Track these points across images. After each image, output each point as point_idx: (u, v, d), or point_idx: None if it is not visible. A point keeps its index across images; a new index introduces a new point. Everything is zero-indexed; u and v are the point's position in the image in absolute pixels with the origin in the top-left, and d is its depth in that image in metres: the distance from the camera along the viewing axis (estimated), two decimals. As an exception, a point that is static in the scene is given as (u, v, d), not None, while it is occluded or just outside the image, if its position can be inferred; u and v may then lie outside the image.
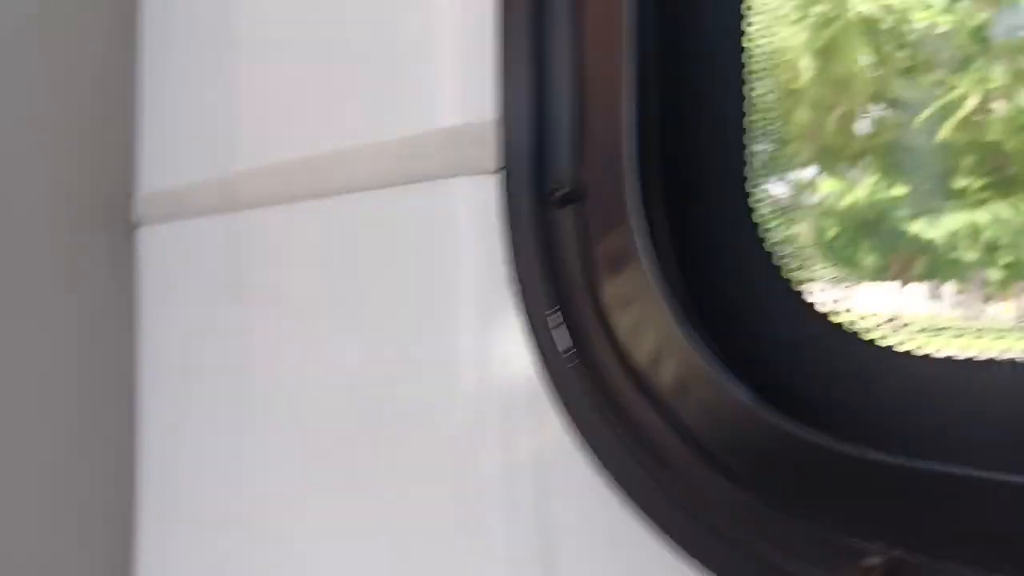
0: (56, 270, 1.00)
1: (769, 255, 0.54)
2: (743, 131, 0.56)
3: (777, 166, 0.59)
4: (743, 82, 0.57)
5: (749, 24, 0.57)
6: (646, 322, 0.54)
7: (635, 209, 0.55)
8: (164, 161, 1.03)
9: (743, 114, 0.56)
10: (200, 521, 0.94)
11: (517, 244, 0.59)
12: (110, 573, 1.02)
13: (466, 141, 0.63)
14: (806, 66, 1.02)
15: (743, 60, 0.57)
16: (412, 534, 0.68)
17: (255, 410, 0.84)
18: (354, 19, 0.75)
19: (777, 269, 0.53)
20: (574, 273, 0.57)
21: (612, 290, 0.56)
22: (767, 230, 0.55)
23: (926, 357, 0.48)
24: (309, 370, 0.77)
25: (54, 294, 0.99)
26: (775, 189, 0.57)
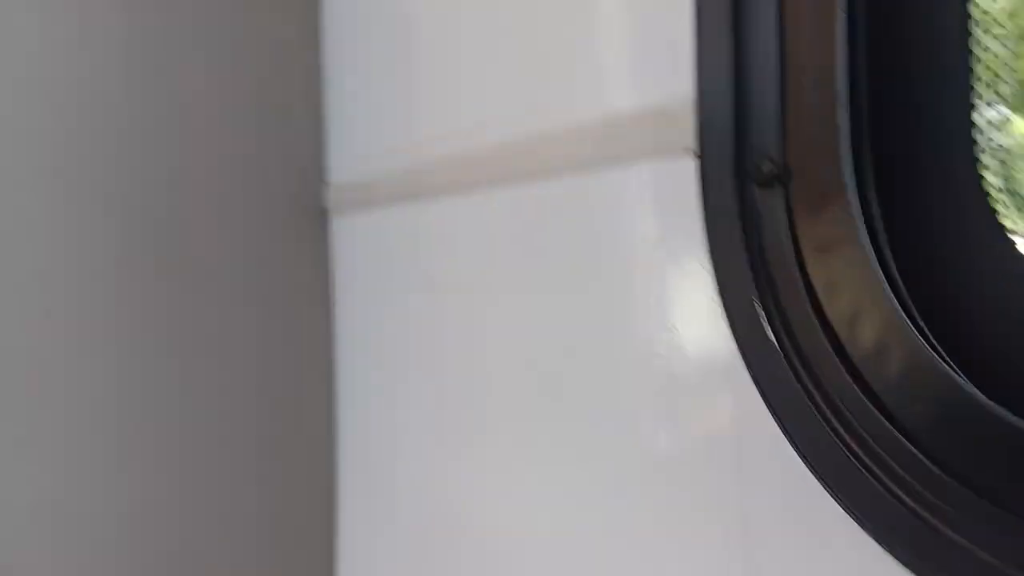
0: (252, 258, 1.04)
1: (999, 231, 0.49)
2: (968, 94, 0.52)
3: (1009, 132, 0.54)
4: (968, 34, 0.52)
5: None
6: (864, 310, 0.51)
7: (851, 188, 0.52)
8: (354, 150, 1.07)
9: (969, 71, 0.51)
10: (399, 507, 0.97)
11: (718, 226, 0.57)
12: (313, 562, 1.07)
13: (663, 121, 0.62)
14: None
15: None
16: (606, 515, 0.68)
17: (447, 398, 0.86)
18: None
19: (1007, 247, 0.49)
20: (781, 256, 0.54)
21: (824, 274, 0.53)
22: (994, 210, 0.50)
23: None
24: (501, 356, 0.78)
25: (251, 282, 1.04)
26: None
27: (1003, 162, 0.52)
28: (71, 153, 0.93)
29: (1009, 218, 0.49)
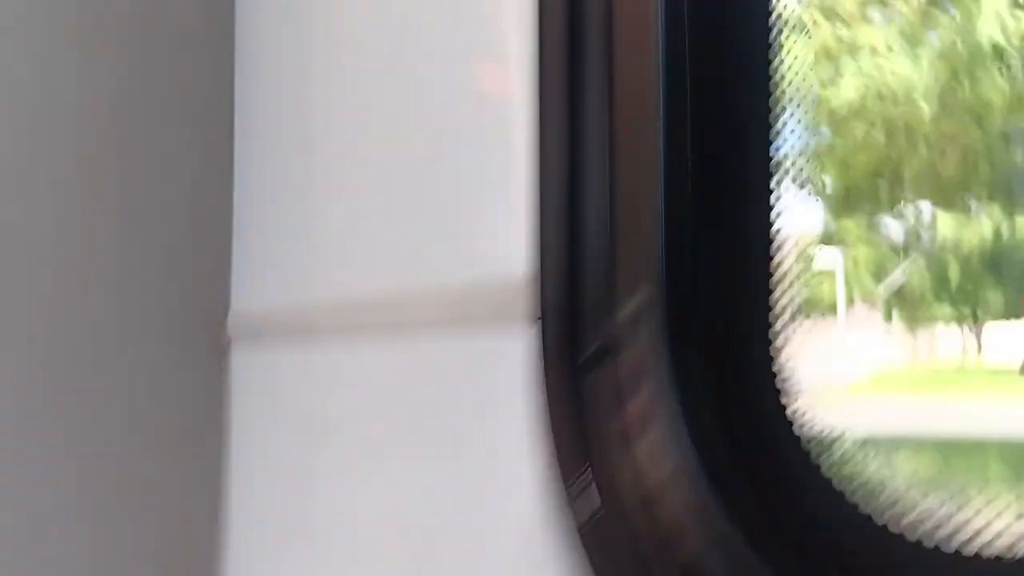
0: (152, 387, 1.04)
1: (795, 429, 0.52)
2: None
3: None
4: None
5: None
6: (674, 485, 0.53)
7: (664, 366, 0.55)
8: (255, 280, 1.08)
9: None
10: None
11: (549, 398, 0.59)
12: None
13: (509, 289, 0.65)
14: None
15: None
16: None
17: (318, 547, 0.86)
18: (417, 163, 0.78)
19: (807, 450, 0.52)
20: (604, 432, 0.56)
21: (642, 450, 0.55)
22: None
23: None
24: (367, 505, 0.79)
25: (148, 410, 1.03)
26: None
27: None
28: None
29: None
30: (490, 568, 0.65)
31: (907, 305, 1.65)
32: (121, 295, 1.03)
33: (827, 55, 1.47)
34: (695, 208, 0.58)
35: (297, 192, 0.99)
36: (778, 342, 0.54)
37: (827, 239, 1.62)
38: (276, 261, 1.03)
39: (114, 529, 1.00)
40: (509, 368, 0.64)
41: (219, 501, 1.06)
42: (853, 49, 1.48)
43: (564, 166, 0.61)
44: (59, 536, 0.97)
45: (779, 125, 0.57)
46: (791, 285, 0.55)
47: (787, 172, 0.57)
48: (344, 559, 0.82)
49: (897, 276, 1.60)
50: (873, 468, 0.53)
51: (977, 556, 0.45)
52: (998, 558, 0.45)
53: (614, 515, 0.55)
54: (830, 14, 1.46)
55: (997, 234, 1.48)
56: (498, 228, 0.67)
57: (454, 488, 0.70)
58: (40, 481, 0.96)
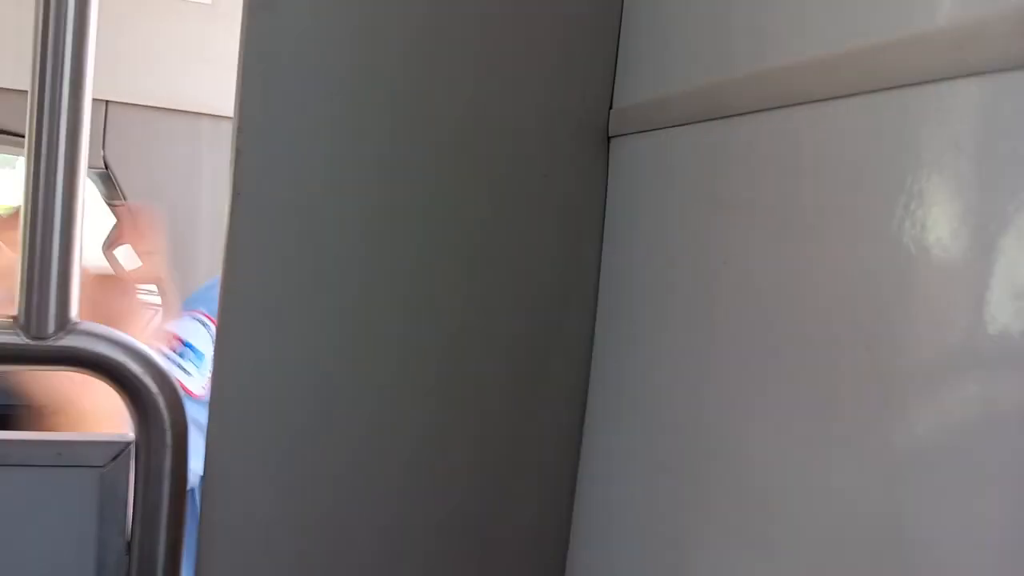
0: (534, 181, 1.06)
1: None
2: None
3: None
4: None
5: None
6: None
7: None
8: (641, 74, 1.04)
9: None
10: (648, 432, 0.95)
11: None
12: (558, 474, 1.09)
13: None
14: None
15: None
16: (906, 473, 0.61)
17: (721, 324, 0.81)
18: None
19: None
20: None
21: None
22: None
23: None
24: (786, 287, 0.72)
25: (532, 203, 1.06)
26: None
27: None
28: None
29: None
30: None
31: None
32: (504, 95, 1.05)
33: None
34: None
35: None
36: None
37: None
38: (670, 51, 0.97)
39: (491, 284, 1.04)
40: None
41: (596, 287, 1.07)
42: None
43: None
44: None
45: None
46: None
47: None
48: (748, 335, 0.77)
49: None
50: None
51: None
52: None
53: None
54: None
55: None
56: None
57: (906, 265, 0.61)
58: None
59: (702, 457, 0.83)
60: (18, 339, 0.94)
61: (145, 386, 0.97)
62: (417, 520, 1.05)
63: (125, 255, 3.38)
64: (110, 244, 3.30)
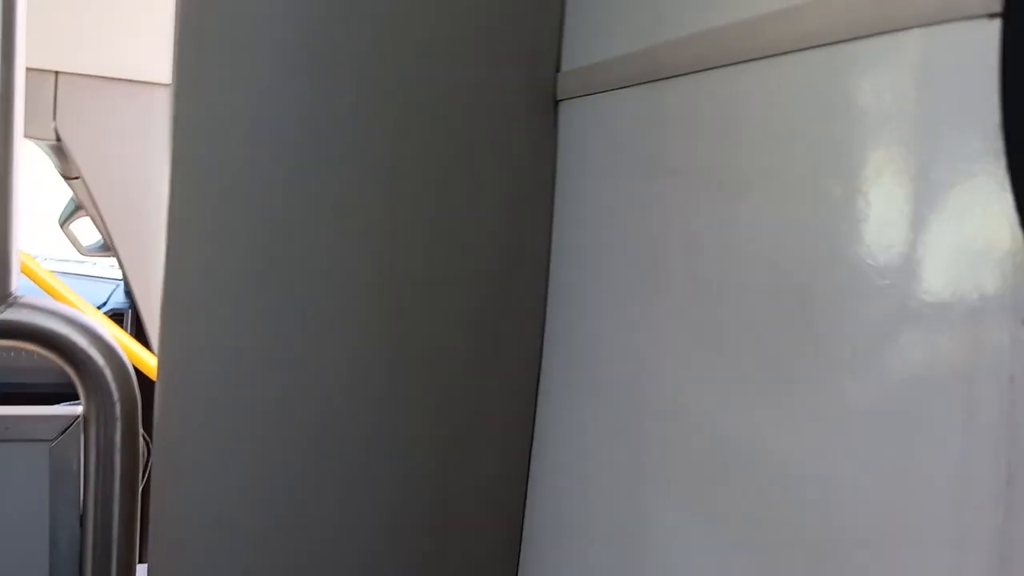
0: (484, 146, 1.05)
1: None
2: None
3: None
4: None
5: None
6: None
7: None
8: (587, 37, 1.03)
9: None
10: (598, 393, 0.95)
11: None
12: (516, 436, 1.10)
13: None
14: None
15: None
16: (840, 431, 0.62)
17: (664, 286, 0.82)
18: None
19: None
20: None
21: None
22: None
23: None
24: (726, 247, 0.73)
25: (484, 169, 1.05)
26: None
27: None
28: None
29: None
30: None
31: None
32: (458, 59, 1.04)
33: None
34: None
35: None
36: None
37: None
38: (615, 13, 0.97)
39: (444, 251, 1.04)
40: (955, 72, 0.53)
41: (547, 253, 1.07)
42: None
43: None
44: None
45: None
46: None
47: None
48: (696, 305, 0.77)
49: None
50: None
51: None
52: None
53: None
54: None
55: None
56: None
57: (844, 228, 0.62)
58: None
59: (650, 420, 0.84)
60: None
61: (91, 359, 0.96)
62: (378, 489, 1.05)
63: (84, 230, 3.32)
64: (67, 219, 3.25)
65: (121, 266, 3.10)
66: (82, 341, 0.96)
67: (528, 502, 1.12)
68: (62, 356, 0.97)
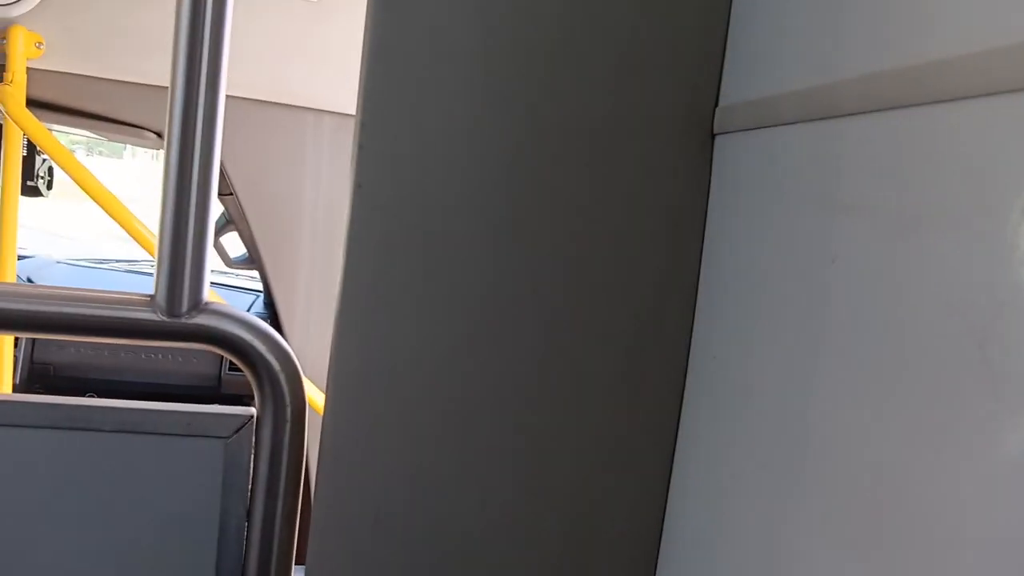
0: (640, 178, 1.09)
1: None
2: None
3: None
4: None
5: None
6: None
7: None
8: (749, 72, 1.05)
9: None
10: (746, 424, 0.96)
11: None
12: (658, 455, 1.12)
13: None
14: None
15: None
16: (1003, 465, 0.61)
17: (825, 320, 0.82)
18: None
19: None
20: None
21: None
22: None
23: None
24: (901, 290, 0.73)
25: (637, 200, 1.08)
26: None
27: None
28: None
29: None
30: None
31: None
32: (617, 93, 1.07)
33: None
34: None
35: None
36: None
37: None
38: (781, 49, 0.98)
39: (595, 280, 1.07)
40: None
41: (695, 284, 1.09)
42: None
43: None
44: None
45: None
46: None
47: None
48: (865, 347, 0.77)
49: None
50: None
51: None
52: None
53: None
54: None
55: None
56: None
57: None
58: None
59: (804, 454, 0.84)
60: (154, 316, 1.02)
61: (269, 364, 1.04)
62: (523, 498, 1.09)
63: (231, 243, 3.53)
64: (218, 232, 3.46)
65: (264, 278, 3.27)
66: (262, 347, 1.04)
67: (666, 522, 1.14)
68: (243, 359, 1.05)
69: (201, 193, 1.00)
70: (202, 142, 1.00)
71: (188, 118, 1.00)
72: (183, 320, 1.02)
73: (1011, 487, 0.61)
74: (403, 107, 1.00)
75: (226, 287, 4.06)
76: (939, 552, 0.66)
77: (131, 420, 1.07)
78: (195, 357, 3.39)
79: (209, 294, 1.04)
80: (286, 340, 3.27)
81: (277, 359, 1.03)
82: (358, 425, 1.02)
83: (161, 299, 1.02)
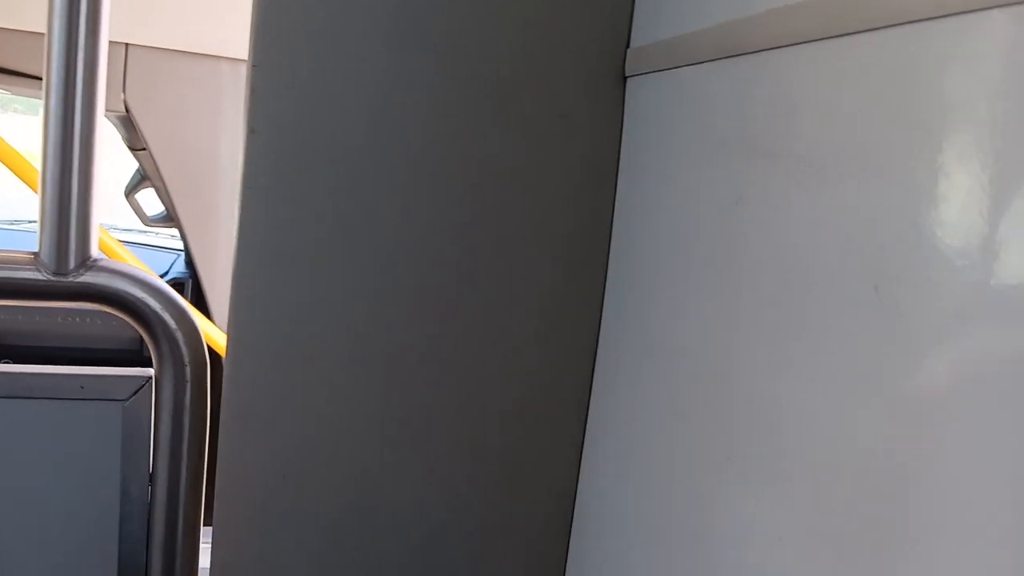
0: (552, 121, 1.06)
1: None
2: None
3: None
4: None
5: None
6: None
7: None
8: (660, 11, 1.02)
9: None
10: (660, 377, 0.95)
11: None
12: (571, 414, 1.11)
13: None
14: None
15: None
16: (925, 415, 0.61)
17: (732, 261, 0.81)
18: None
19: None
20: None
21: None
22: None
23: None
24: (797, 223, 0.72)
25: (551, 143, 1.05)
26: None
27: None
28: None
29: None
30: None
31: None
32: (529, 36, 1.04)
33: None
34: None
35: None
36: None
37: None
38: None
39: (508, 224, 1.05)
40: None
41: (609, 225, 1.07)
42: None
43: None
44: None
45: None
46: None
47: None
48: (777, 286, 0.76)
49: None
50: None
51: None
52: None
53: None
54: None
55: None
56: None
57: (937, 205, 0.61)
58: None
59: (723, 405, 0.84)
60: (39, 275, 0.96)
61: (164, 322, 0.99)
62: (440, 458, 1.07)
63: (148, 201, 3.40)
64: (132, 189, 3.32)
65: (183, 236, 3.16)
66: (156, 304, 0.99)
67: (581, 480, 1.13)
68: (136, 318, 1.00)
69: (84, 143, 0.94)
70: (83, 89, 0.94)
71: (68, 64, 0.93)
72: (70, 279, 0.96)
73: (902, 422, 0.61)
74: (299, 48, 0.95)
75: (146, 246, 3.92)
76: (834, 481, 0.67)
77: (22, 385, 1.02)
78: (115, 320, 3.27)
79: (99, 250, 0.98)
80: (207, 298, 3.18)
81: (173, 316, 0.98)
82: (260, 381, 0.99)
83: (46, 256, 0.96)
